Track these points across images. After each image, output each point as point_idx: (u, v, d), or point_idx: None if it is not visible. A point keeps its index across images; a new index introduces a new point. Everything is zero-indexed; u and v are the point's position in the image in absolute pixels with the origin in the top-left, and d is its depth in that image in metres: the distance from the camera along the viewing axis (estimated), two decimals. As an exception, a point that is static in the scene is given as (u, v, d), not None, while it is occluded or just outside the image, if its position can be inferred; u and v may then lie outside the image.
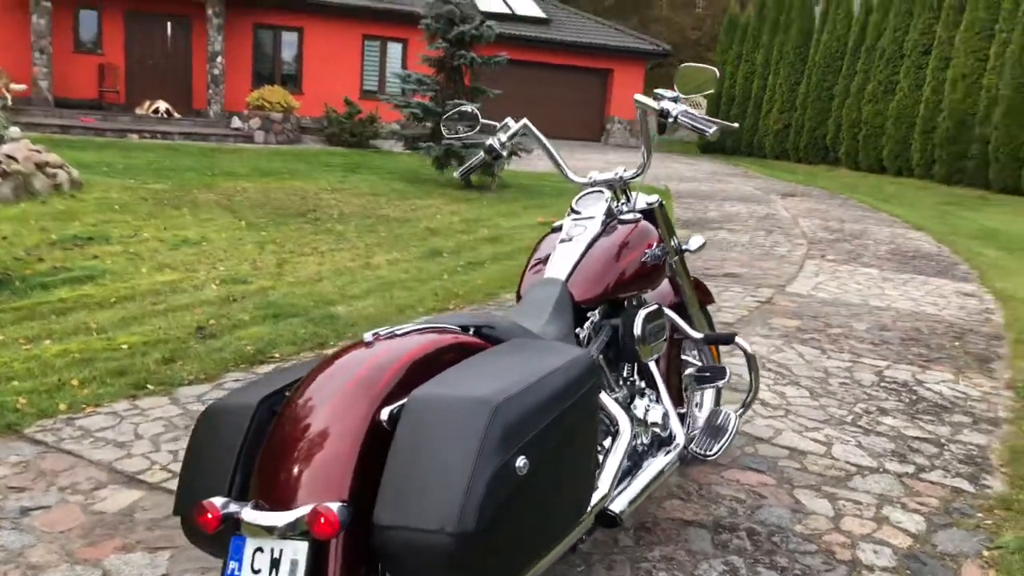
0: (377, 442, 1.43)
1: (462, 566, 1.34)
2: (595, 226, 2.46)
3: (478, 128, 2.70)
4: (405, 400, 1.46)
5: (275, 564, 1.37)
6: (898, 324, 5.34)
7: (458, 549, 1.32)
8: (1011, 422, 3.69)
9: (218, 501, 1.39)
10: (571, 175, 2.73)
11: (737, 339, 2.86)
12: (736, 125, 2.73)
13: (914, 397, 3.96)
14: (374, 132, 17.73)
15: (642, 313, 2.30)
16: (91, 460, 2.86)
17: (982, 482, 3.06)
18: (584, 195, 2.60)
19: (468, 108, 2.71)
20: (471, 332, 1.84)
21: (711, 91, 2.53)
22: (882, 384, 4.13)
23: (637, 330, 2.26)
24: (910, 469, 3.13)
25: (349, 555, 1.38)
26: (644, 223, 2.53)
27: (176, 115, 18.68)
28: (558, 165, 2.73)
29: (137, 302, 4.74)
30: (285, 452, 1.44)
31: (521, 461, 1.41)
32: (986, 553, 2.55)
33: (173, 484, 2.62)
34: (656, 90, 2.46)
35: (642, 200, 2.65)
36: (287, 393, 1.58)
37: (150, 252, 6.01)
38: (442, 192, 11.15)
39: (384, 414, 1.46)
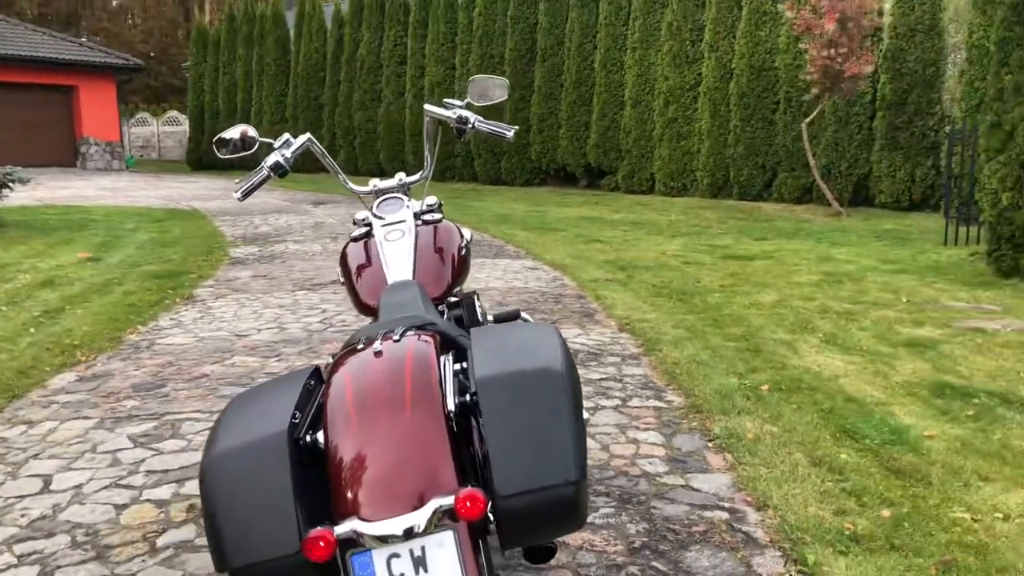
0: (451, 429, 1.53)
1: (579, 511, 1.51)
2: (410, 228, 2.48)
3: (256, 146, 2.52)
4: (471, 386, 1.57)
5: (419, 562, 1.41)
6: (510, 298, 6.07)
7: (576, 496, 1.49)
8: (645, 354, 4.55)
9: (323, 529, 1.37)
10: (352, 186, 2.70)
11: (522, 314, 3.09)
12: (515, 128, 2.92)
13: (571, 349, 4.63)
14: None
15: (476, 300, 2.43)
16: None
17: (666, 398, 3.76)
18: (382, 201, 2.59)
19: (247, 129, 2.53)
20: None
21: (504, 99, 2.70)
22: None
23: (480, 315, 2.39)
24: (617, 402, 3.71)
25: (474, 533, 1.46)
26: (447, 222, 2.61)
27: None
28: (339, 177, 2.68)
29: None
30: (382, 463, 1.47)
31: (586, 414, 1.55)
32: (711, 444, 3.20)
33: None
34: (445, 100, 2.60)
35: (430, 200, 2.71)
36: (295, 419, 1.55)
37: None
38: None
39: (451, 404, 1.55)
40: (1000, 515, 2.56)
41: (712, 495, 2.73)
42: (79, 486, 2.79)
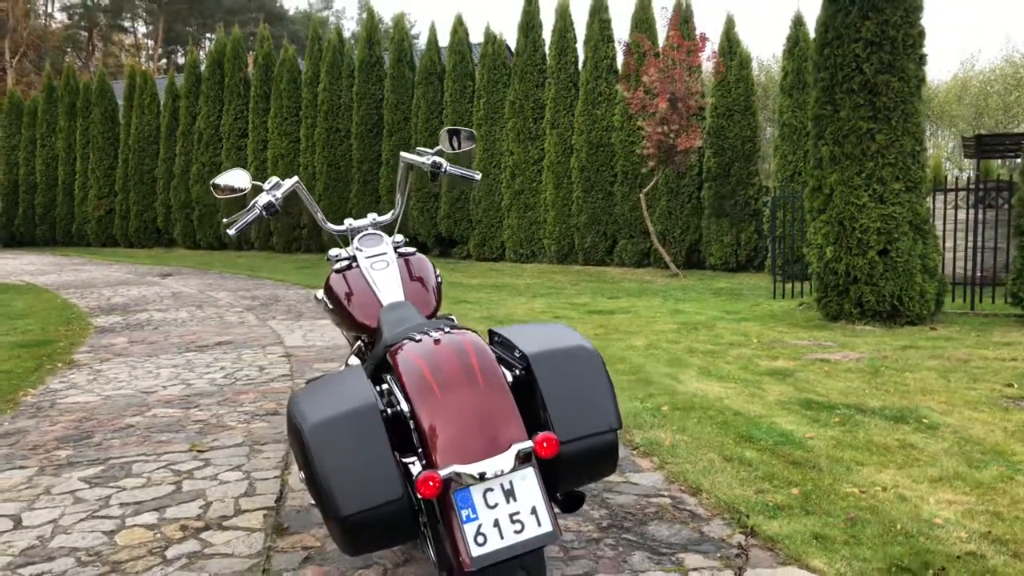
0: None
1: (616, 455, 2.00)
2: (393, 259, 2.80)
3: (249, 188, 2.77)
4: (525, 358, 2.00)
5: (509, 494, 1.76)
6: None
7: (617, 441, 1.98)
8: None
9: (431, 472, 1.71)
10: (330, 225, 2.98)
11: None
12: (480, 174, 3.28)
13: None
14: None
15: (455, 321, 2.77)
16: None
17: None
18: (362, 236, 2.89)
19: (240, 171, 2.79)
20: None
21: (472, 146, 3.08)
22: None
23: None
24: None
25: (544, 470, 1.84)
26: (420, 254, 2.95)
27: None
28: (316, 217, 2.96)
29: None
30: (467, 421, 1.82)
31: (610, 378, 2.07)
32: (635, 451, 3.63)
33: None
34: (418, 148, 2.98)
35: (398, 239, 3.04)
36: (380, 389, 1.97)
37: None
38: None
39: (508, 376, 1.97)
40: (879, 488, 3.14)
41: (651, 487, 3.15)
42: (54, 520, 2.80)
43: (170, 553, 2.51)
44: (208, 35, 49.40)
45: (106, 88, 22.55)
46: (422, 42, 17.71)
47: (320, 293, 3.18)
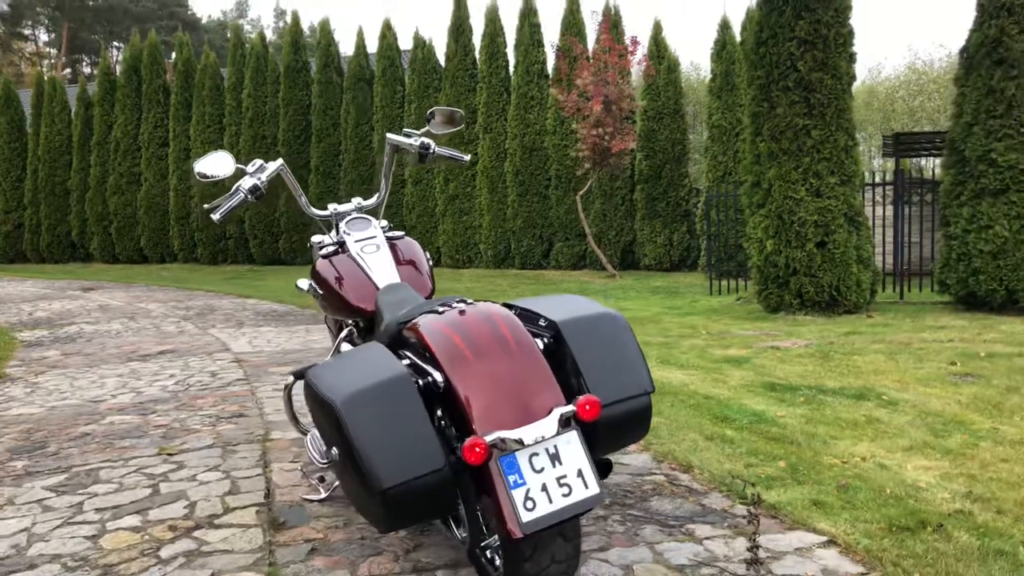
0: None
1: (650, 418, 2.05)
2: (383, 241, 2.75)
3: (234, 171, 2.68)
4: (554, 325, 2.00)
5: (554, 457, 1.75)
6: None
7: (651, 404, 2.01)
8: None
9: (476, 438, 1.68)
10: (313, 210, 2.91)
11: None
12: (468, 157, 3.24)
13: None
14: None
15: None
16: None
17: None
18: (350, 221, 2.84)
19: (222, 154, 2.70)
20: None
21: (461, 127, 3.04)
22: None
23: None
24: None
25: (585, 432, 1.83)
26: (409, 238, 2.90)
27: None
28: (300, 201, 2.89)
29: None
30: (506, 388, 1.80)
31: None
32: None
33: None
34: (405, 129, 2.93)
35: (383, 224, 2.98)
36: (420, 358, 1.93)
37: None
38: None
39: (540, 344, 1.95)
40: (859, 458, 3.23)
41: (643, 467, 3.16)
42: (26, 529, 2.63)
43: (164, 553, 2.39)
44: (116, 43, 47.71)
45: (12, 97, 21.50)
46: (344, 50, 17.55)
47: (302, 282, 3.10)
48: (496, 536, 1.96)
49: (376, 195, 3.02)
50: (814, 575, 2.17)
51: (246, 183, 2.70)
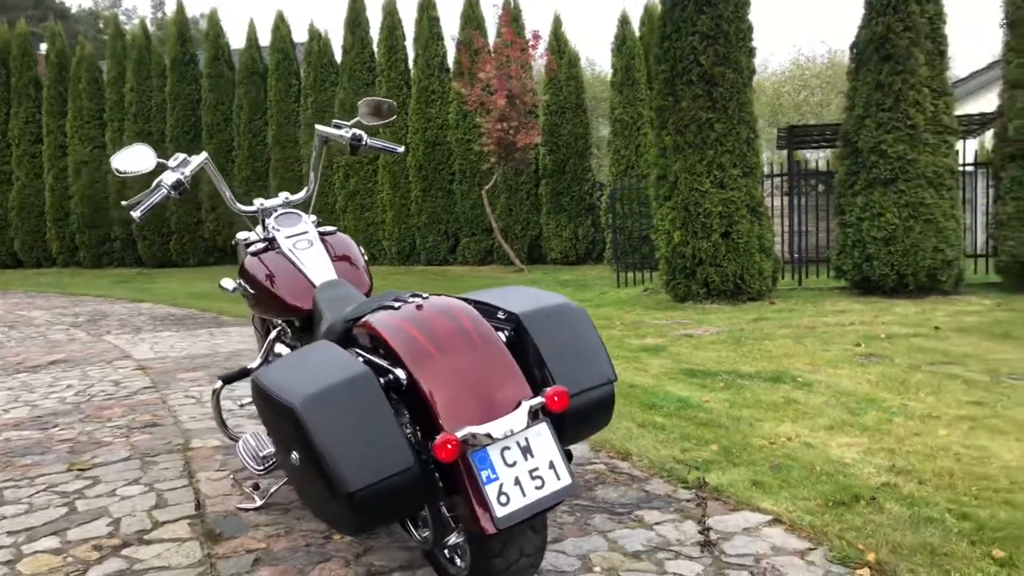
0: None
1: (613, 407, 2.05)
2: (315, 237, 2.65)
3: (154, 166, 2.54)
4: (515, 318, 1.96)
5: (526, 450, 1.72)
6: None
7: (614, 393, 2.02)
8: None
9: (447, 435, 1.63)
10: (239, 205, 2.79)
11: None
12: (403, 148, 3.14)
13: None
14: None
15: None
16: None
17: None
18: (278, 216, 2.73)
19: (141, 148, 2.55)
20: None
21: (393, 118, 2.94)
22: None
23: None
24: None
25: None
26: (341, 233, 2.81)
27: None
28: (225, 196, 2.77)
29: None
30: (472, 383, 1.75)
31: None
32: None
33: None
34: (335, 120, 2.84)
35: (312, 219, 2.87)
36: (376, 356, 1.85)
37: None
38: None
39: (503, 336, 1.92)
40: (784, 438, 3.34)
41: (583, 457, 3.17)
42: (-70, 556, 2.41)
43: (93, 574, 2.23)
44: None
45: None
46: (235, 43, 16.97)
47: (227, 282, 2.96)
48: (456, 534, 1.91)
49: (304, 189, 2.93)
50: (765, 553, 2.22)
51: (168, 178, 2.57)
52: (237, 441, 2.82)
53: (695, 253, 7.60)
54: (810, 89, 22.89)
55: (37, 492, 2.98)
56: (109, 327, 8.01)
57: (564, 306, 2.02)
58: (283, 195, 2.86)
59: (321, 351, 1.87)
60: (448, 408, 1.70)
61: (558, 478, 1.72)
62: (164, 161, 2.60)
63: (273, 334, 2.75)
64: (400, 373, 1.76)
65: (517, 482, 1.68)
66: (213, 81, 16.26)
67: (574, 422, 1.89)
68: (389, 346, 1.80)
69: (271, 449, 2.58)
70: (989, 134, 12.59)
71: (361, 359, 1.86)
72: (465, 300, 2.08)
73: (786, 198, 10.56)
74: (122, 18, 51.54)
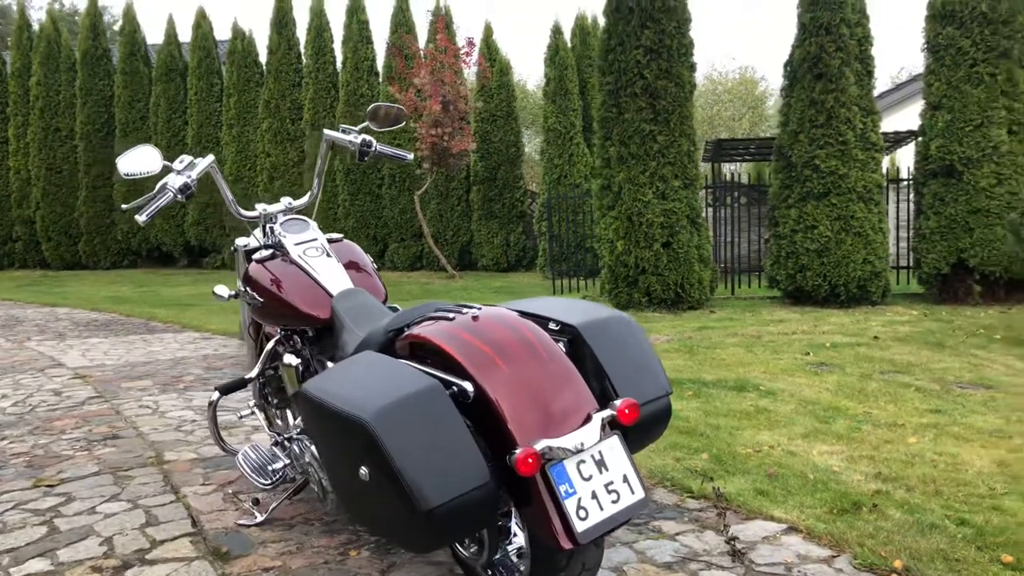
0: None
1: (670, 416, 2.04)
2: (324, 244, 2.58)
3: (160, 168, 2.42)
4: (572, 329, 1.95)
5: (600, 464, 1.70)
6: (220, 363, 5.79)
7: (671, 404, 2.00)
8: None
9: (528, 449, 1.59)
10: (242, 211, 2.70)
11: None
12: (411, 155, 3.05)
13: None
14: None
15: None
16: None
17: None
18: (284, 222, 2.64)
19: (147, 148, 2.42)
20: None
21: (403, 124, 2.87)
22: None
23: None
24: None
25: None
26: (348, 240, 2.73)
27: None
28: (227, 199, 2.67)
29: None
30: (541, 394, 1.72)
31: None
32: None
33: None
34: (343, 126, 2.76)
35: (315, 225, 2.79)
36: (438, 372, 1.78)
37: None
38: None
39: (562, 347, 1.91)
40: (768, 447, 3.42)
41: (578, 468, 3.16)
42: (-93, 586, 2.21)
43: (103, 600, 2.09)
44: None
45: None
46: (152, 39, 16.34)
47: (221, 288, 2.85)
48: (512, 548, 1.88)
49: (307, 195, 2.84)
50: (792, 561, 2.26)
51: (175, 181, 2.46)
52: (235, 455, 2.70)
53: (637, 262, 7.72)
54: (722, 104, 23.66)
55: (6, 510, 2.77)
56: (28, 333, 7.56)
57: (619, 317, 2.02)
58: (285, 200, 2.77)
59: (378, 363, 1.80)
60: (520, 420, 1.67)
61: (632, 492, 1.71)
62: (169, 164, 2.49)
63: (271, 344, 2.65)
64: (467, 385, 1.71)
65: (594, 496, 1.66)
66: (128, 78, 15.60)
67: (636, 434, 1.89)
68: (451, 357, 1.75)
69: (283, 462, 2.48)
70: (899, 152, 13.29)
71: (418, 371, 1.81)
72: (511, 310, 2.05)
73: (710, 210, 10.85)
74: (13, 8, 48.85)
